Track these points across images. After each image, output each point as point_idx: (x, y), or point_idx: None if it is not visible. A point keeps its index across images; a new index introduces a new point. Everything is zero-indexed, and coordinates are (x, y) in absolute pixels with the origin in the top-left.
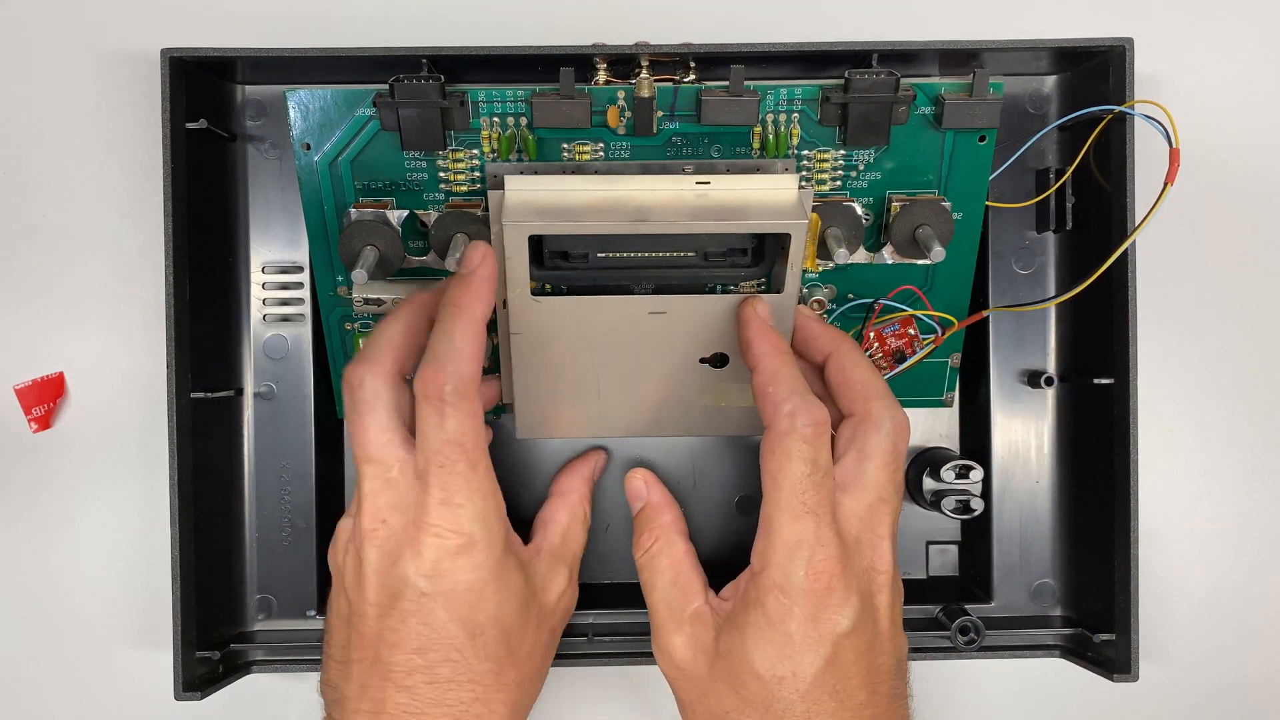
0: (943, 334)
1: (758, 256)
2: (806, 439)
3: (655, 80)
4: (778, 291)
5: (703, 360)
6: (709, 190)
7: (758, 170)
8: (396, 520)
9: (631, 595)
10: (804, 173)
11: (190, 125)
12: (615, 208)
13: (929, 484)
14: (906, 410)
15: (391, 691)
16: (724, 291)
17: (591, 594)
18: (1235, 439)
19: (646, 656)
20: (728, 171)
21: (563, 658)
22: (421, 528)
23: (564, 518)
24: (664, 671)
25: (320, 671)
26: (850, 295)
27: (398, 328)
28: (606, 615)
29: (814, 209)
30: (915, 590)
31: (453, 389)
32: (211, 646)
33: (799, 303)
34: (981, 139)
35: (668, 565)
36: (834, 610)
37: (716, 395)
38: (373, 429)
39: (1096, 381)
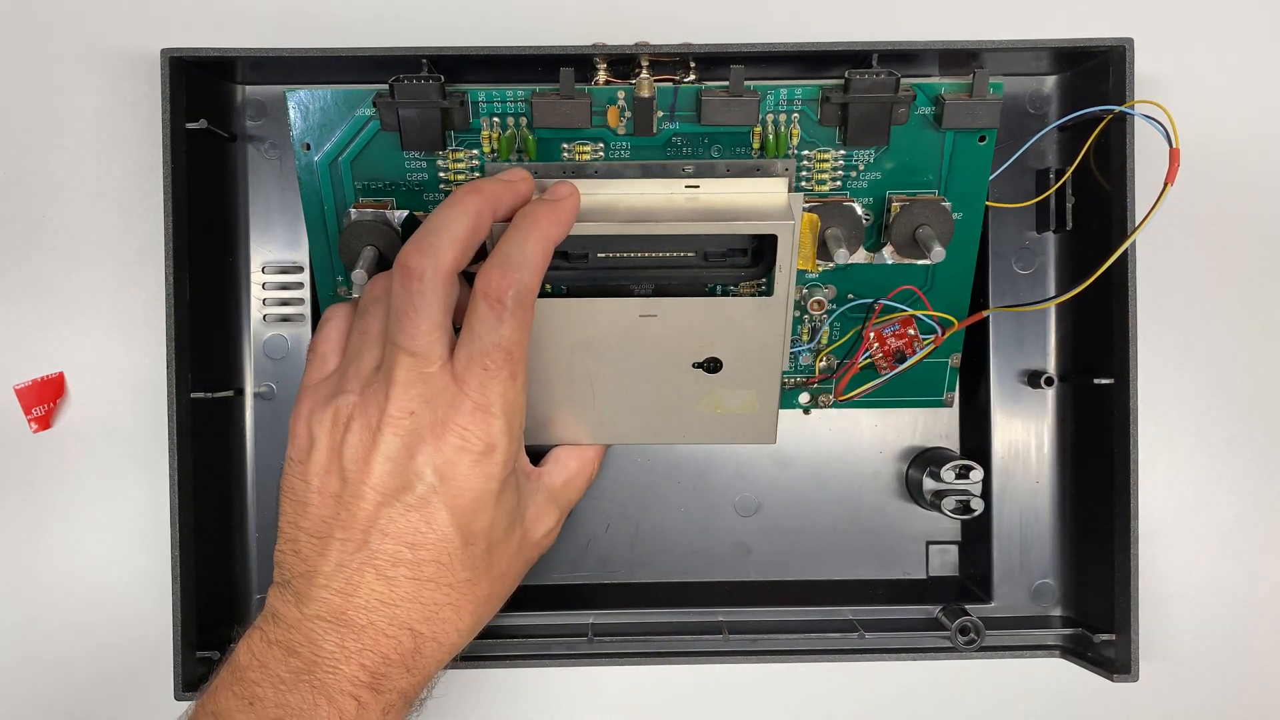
0: (943, 334)
1: (757, 257)
2: None
3: (655, 80)
4: (769, 295)
5: (696, 365)
6: (699, 194)
7: (758, 170)
8: (425, 415)
9: (632, 595)
10: (804, 173)
11: (190, 125)
12: (606, 211)
13: (929, 484)
14: (906, 410)
15: (370, 577)
16: (724, 292)
17: (591, 594)
18: (1235, 439)
19: (646, 656)
20: (728, 172)
21: (563, 657)
22: (449, 427)
23: (574, 465)
24: None
25: (279, 539)
26: (850, 295)
27: (465, 224)
28: (607, 615)
29: (814, 209)
30: (915, 590)
31: (515, 296)
32: (211, 646)
33: (799, 304)
34: (981, 139)
35: None
36: None
37: (711, 402)
38: (425, 323)
39: (1096, 381)
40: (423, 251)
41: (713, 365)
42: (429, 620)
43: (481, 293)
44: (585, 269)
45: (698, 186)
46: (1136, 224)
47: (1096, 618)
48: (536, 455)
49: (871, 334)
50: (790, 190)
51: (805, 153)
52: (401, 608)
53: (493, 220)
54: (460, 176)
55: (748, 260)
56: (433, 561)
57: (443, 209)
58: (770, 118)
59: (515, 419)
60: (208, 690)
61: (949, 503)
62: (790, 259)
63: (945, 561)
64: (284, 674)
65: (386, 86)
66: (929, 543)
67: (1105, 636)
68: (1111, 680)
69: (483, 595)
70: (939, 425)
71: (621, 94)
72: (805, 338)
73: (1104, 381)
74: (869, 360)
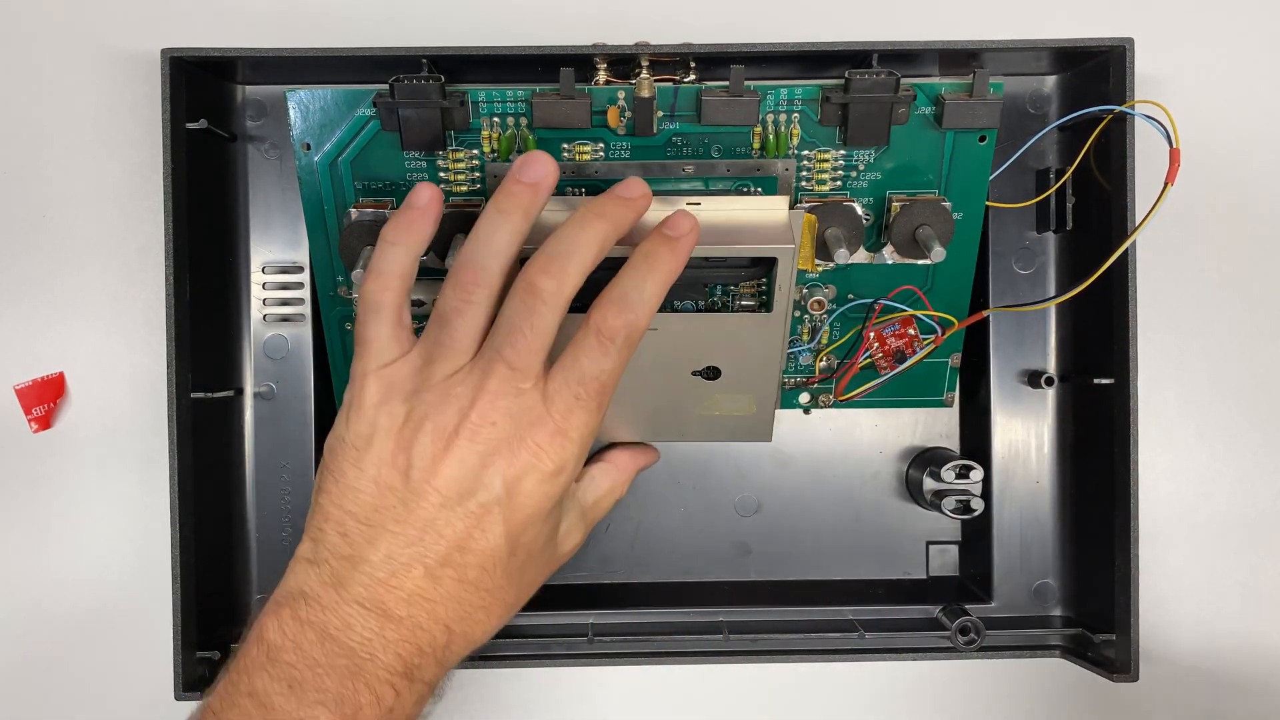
0: (943, 334)
1: (756, 259)
2: None
3: (655, 80)
4: (768, 311)
5: (695, 373)
6: (699, 211)
7: (758, 170)
8: (505, 427)
9: (632, 595)
10: (804, 173)
11: (190, 125)
12: None
13: (929, 484)
14: (906, 410)
15: (418, 573)
16: (724, 292)
17: (591, 594)
18: (1235, 439)
19: (646, 656)
20: (728, 172)
21: (563, 657)
22: (525, 444)
23: (606, 485)
24: None
25: (315, 514)
26: (851, 295)
27: (592, 252)
28: (607, 615)
29: (814, 209)
30: (915, 590)
31: (626, 337)
32: (211, 646)
33: (800, 304)
34: (982, 139)
35: None
36: None
37: (710, 405)
38: (536, 342)
39: (1096, 381)
40: (550, 274)
41: (711, 374)
42: (463, 620)
43: (595, 327)
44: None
45: (699, 204)
46: (1137, 224)
47: (1096, 618)
48: None
49: (871, 334)
50: (790, 208)
51: (805, 153)
52: (441, 605)
53: (606, 249)
54: (460, 176)
55: (746, 262)
56: (478, 567)
57: (572, 230)
58: (770, 117)
59: (586, 446)
60: (236, 668)
61: (949, 503)
62: (789, 280)
63: (945, 561)
64: (320, 658)
65: (386, 86)
66: (929, 543)
67: (1105, 636)
68: (1111, 680)
69: (511, 601)
70: (939, 425)
71: (622, 94)
72: (805, 337)
73: (1104, 381)
74: (869, 360)
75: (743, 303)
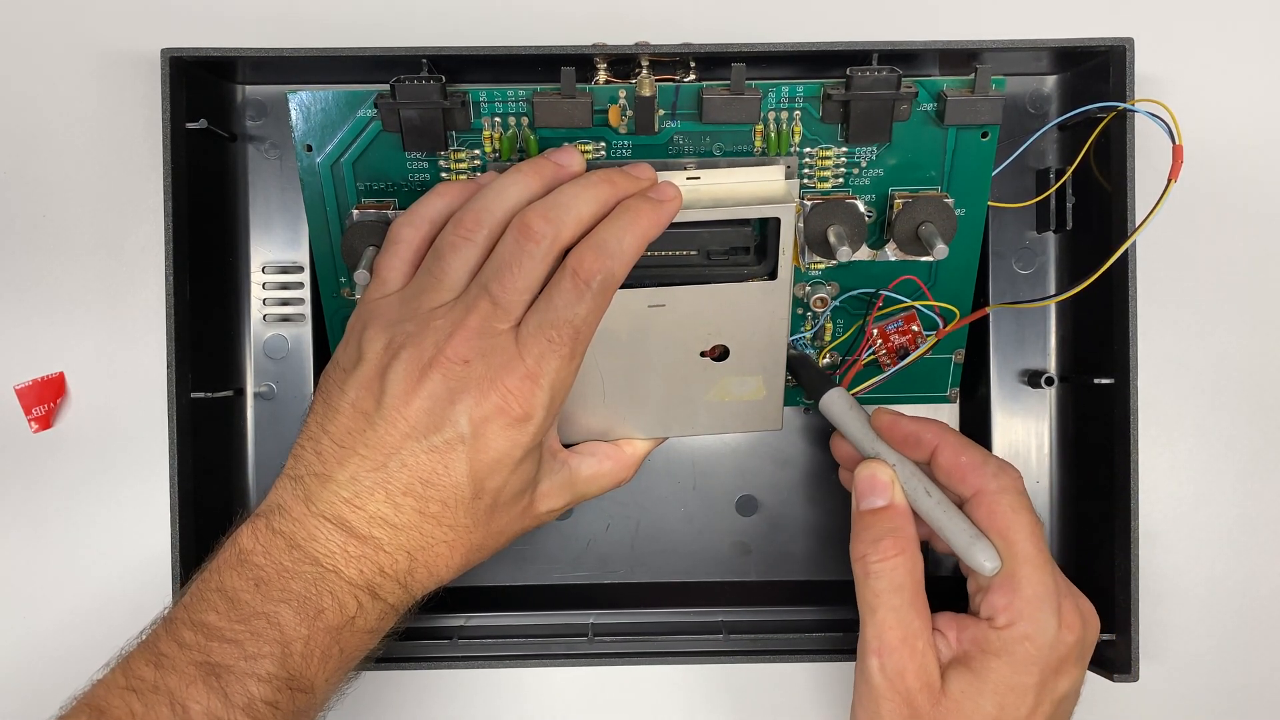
0: (945, 327)
1: (760, 254)
2: (1022, 491)
3: (656, 80)
4: (773, 279)
5: (703, 354)
6: (699, 185)
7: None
8: (479, 366)
9: (632, 595)
10: (806, 170)
11: (190, 125)
12: None
13: None
14: (906, 409)
15: (380, 497)
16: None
17: (591, 594)
18: (1235, 439)
19: (645, 657)
20: (728, 167)
21: (563, 657)
22: (495, 386)
23: (607, 466)
24: (877, 688)
25: (302, 433)
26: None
27: (591, 209)
28: (606, 615)
29: (816, 206)
30: None
31: (601, 281)
32: None
33: (803, 301)
34: (984, 135)
35: (910, 582)
36: (1072, 666)
37: (720, 391)
38: (522, 282)
39: (1096, 381)
40: (547, 219)
41: (720, 354)
42: (424, 549)
43: (571, 269)
44: None
45: (698, 178)
46: (1137, 223)
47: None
48: None
49: (874, 330)
50: (788, 177)
51: (807, 150)
52: (403, 532)
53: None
54: (462, 177)
55: (751, 259)
56: (439, 501)
57: (575, 186)
58: (772, 115)
59: (558, 396)
60: (209, 569)
61: None
62: (791, 241)
63: (945, 561)
64: (287, 563)
65: (387, 87)
66: (929, 543)
67: (1105, 636)
68: (1111, 680)
69: (476, 543)
70: None
71: (623, 93)
72: (807, 329)
73: (1104, 381)
74: (872, 356)
75: (749, 268)
